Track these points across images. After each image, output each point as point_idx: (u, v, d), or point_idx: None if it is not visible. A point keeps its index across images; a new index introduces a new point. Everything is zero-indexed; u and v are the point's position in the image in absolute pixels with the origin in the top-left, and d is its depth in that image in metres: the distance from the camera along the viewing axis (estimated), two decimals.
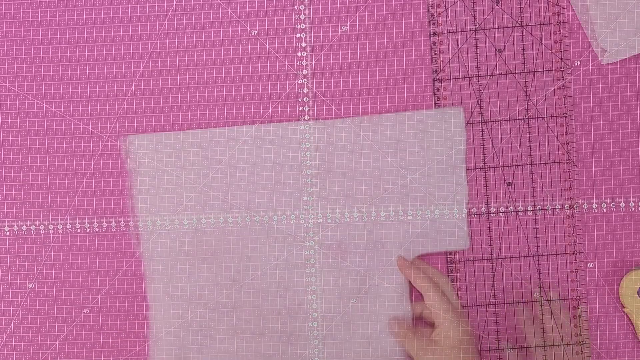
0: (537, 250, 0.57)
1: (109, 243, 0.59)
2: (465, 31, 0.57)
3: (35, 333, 0.59)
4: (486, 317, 0.57)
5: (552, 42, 0.57)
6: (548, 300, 0.57)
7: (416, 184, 0.57)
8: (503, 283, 0.57)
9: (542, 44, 0.57)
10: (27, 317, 0.59)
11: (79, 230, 0.59)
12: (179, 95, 0.58)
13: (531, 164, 0.57)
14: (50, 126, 0.59)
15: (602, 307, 0.57)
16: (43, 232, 0.59)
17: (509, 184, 0.57)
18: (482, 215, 0.57)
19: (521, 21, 0.57)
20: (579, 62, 0.57)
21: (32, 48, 0.59)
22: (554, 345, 0.57)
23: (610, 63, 0.57)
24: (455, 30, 0.57)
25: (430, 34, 0.57)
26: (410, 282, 0.57)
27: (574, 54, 0.57)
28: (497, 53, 0.57)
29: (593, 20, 0.56)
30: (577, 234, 0.57)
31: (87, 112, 0.59)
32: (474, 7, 0.57)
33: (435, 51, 0.57)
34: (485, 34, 0.57)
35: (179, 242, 0.58)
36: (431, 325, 0.55)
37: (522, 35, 0.57)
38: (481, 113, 0.57)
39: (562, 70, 0.57)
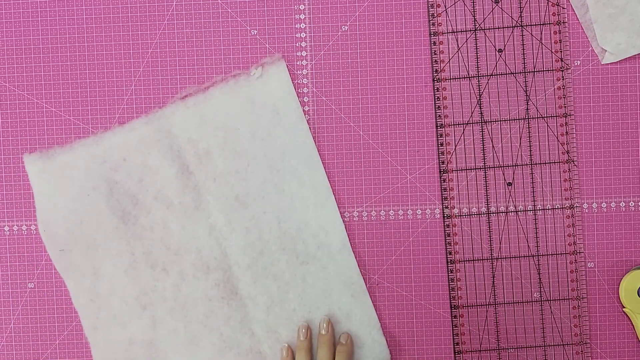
0: (537, 250, 0.57)
1: None
2: (465, 31, 0.57)
3: (35, 333, 0.59)
4: (486, 317, 0.57)
5: (552, 42, 0.57)
6: (548, 301, 0.57)
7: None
8: (503, 283, 0.57)
9: (542, 44, 0.57)
10: (27, 317, 0.59)
11: None
12: (179, 95, 0.58)
13: (531, 164, 0.57)
14: (50, 126, 0.59)
15: (602, 307, 0.57)
16: None
17: (509, 184, 0.57)
18: (482, 215, 0.57)
19: (521, 21, 0.57)
20: (579, 62, 0.57)
21: (32, 47, 0.59)
22: (554, 345, 0.57)
23: (610, 63, 0.57)
24: (455, 30, 0.57)
25: (430, 34, 0.57)
26: None
27: (574, 54, 0.57)
28: (497, 53, 0.57)
29: (593, 20, 0.56)
30: (577, 234, 0.57)
31: (87, 112, 0.59)
32: (474, 7, 0.57)
33: (435, 51, 0.57)
34: (485, 34, 0.57)
35: None
36: None
37: (522, 35, 0.57)
38: (481, 113, 0.57)
39: (562, 70, 0.57)
